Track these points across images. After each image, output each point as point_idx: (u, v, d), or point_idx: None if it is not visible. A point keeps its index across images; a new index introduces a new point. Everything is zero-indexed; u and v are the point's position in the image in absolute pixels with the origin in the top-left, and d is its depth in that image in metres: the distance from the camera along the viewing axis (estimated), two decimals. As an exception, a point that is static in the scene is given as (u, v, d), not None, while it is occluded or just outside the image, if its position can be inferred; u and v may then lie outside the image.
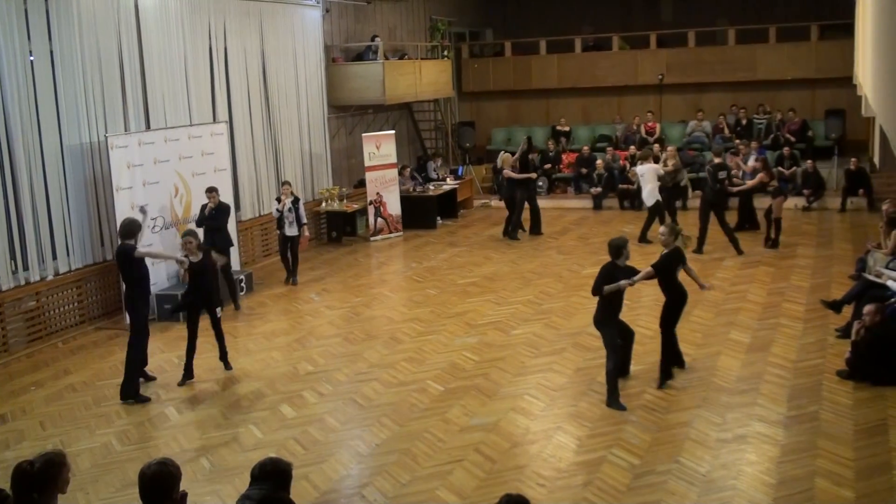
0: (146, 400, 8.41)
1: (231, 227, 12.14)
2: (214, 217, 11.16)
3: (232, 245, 11.70)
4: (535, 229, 15.29)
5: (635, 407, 7.70)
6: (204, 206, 11.24)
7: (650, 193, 13.92)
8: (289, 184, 12.68)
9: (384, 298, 11.89)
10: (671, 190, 14.45)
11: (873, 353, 7.99)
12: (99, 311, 11.10)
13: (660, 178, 14.17)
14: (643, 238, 14.06)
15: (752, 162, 14.57)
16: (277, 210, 12.44)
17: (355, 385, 8.61)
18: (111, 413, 8.17)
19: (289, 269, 12.69)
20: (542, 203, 17.60)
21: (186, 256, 8.81)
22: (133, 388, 8.46)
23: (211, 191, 11.23)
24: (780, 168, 17.18)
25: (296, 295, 12.15)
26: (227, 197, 12.42)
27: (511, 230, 15.08)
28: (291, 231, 12.42)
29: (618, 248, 7.86)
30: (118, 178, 10.81)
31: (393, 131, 16.40)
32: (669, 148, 15.04)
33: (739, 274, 12.07)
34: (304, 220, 12.58)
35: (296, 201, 12.40)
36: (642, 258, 11.11)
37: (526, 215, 15.24)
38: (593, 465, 6.67)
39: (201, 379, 8.95)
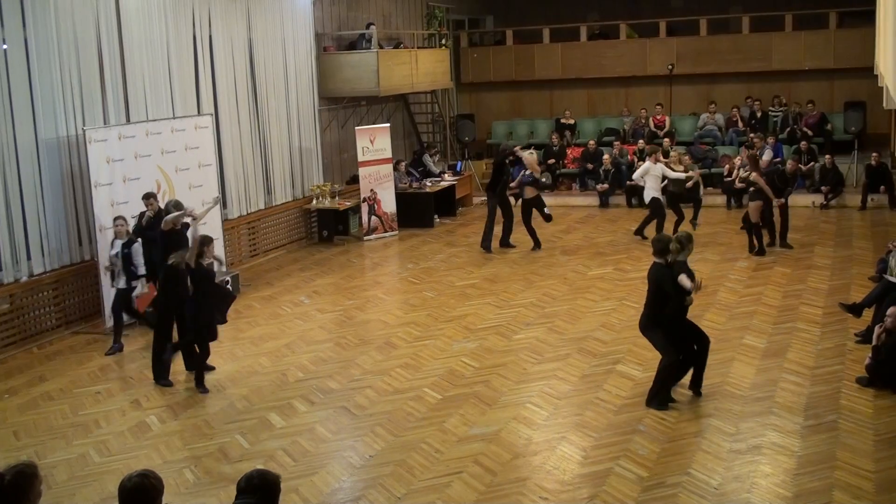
0: (169, 384, 8.95)
1: (216, 225, 12.14)
2: (153, 226, 10.24)
3: None
4: (506, 240, 14.44)
5: (643, 416, 7.72)
6: (141, 214, 10.49)
7: (649, 190, 14.13)
8: (123, 219, 10.22)
9: (378, 301, 11.90)
10: (675, 192, 14.45)
11: (895, 358, 7.99)
12: (77, 315, 11.08)
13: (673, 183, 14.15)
14: (639, 232, 14.43)
15: (767, 156, 14.62)
16: (113, 259, 10.06)
17: (348, 393, 8.61)
18: (89, 422, 8.17)
19: (117, 333, 10.15)
20: (547, 200, 17.60)
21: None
22: (157, 371, 9.02)
23: (149, 197, 10.48)
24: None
25: (285, 298, 12.15)
26: (212, 194, 12.43)
27: (494, 239, 14.35)
28: (120, 283, 10.08)
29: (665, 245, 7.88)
30: (97, 173, 10.80)
31: (388, 124, 16.41)
32: (673, 153, 14.97)
33: (754, 275, 12.09)
34: (141, 271, 10.07)
35: (129, 243, 10.03)
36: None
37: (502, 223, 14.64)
38: (599, 477, 6.67)
39: (184, 386, 8.96)
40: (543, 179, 16.73)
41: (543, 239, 14.64)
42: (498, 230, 14.27)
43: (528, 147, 14.90)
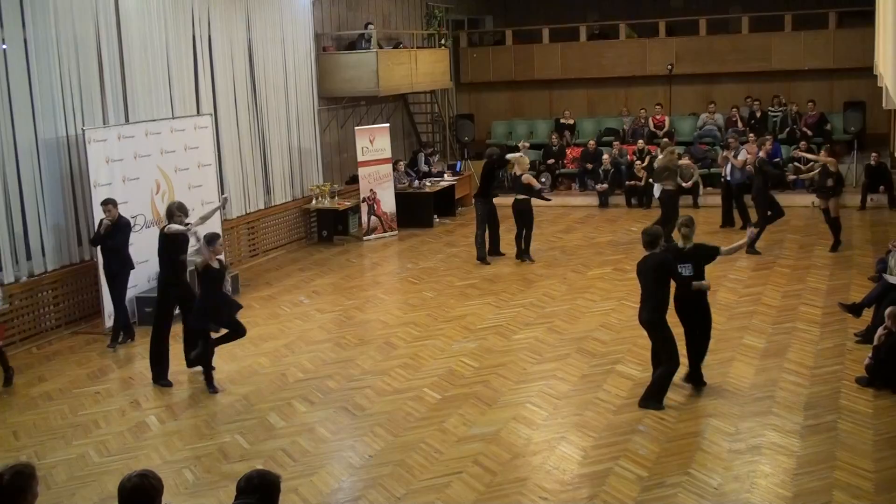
0: (168, 384, 8.95)
1: (216, 225, 12.13)
2: (111, 235, 9.98)
3: (129, 267, 10.34)
4: (495, 249, 13.80)
5: (642, 416, 7.72)
6: (100, 222, 10.12)
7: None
8: None
9: (378, 301, 11.90)
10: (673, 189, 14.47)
11: (895, 358, 8.00)
12: (76, 315, 11.08)
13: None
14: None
15: (741, 156, 14.70)
16: None
17: (347, 393, 8.61)
18: (88, 422, 8.17)
19: None
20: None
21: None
22: (156, 371, 9.03)
23: (107, 203, 10.03)
24: (796, 164, 17.21)
25: (284, 298, 12.14)
26: (211, 194, 12.44)
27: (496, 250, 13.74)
28: None
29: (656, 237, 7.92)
30: (96, 173, 10.79)
31: (387, 124, 16.41)
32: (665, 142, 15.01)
33: (753, 275, 12.10)
34: None
35: None
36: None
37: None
38: (599, 477, 6.68)
39: (184, 386, 8.96)
40: (542, 181, 16.71)
41: (543, 238, 14.67)
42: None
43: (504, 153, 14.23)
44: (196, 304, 8.85)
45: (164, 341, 9.08)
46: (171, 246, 9.09)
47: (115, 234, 10.05)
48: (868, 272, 11.52)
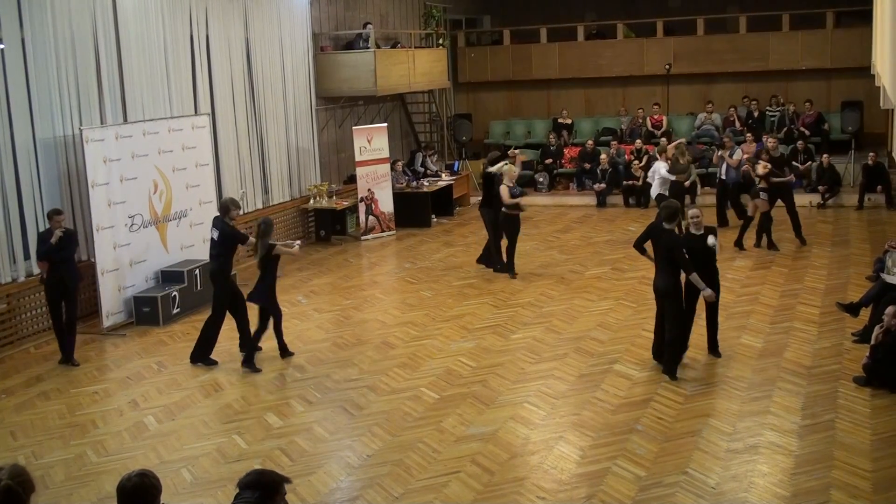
0: (213, 363, 9.48)
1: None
2: (65, 246, 9.47)
3: (81, 280, 10.05)
4: (484, 257, 13.11)
5: (640, 416, 7.73)
6: (48, 233, 9.46)
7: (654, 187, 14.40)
8: None
9: (376, 301, 11.90)
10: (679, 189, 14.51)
11: (892, 358, 8.01)
12: (73, 315, 11.07)
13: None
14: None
15: (737, 155, 14.71)
16: None
17: (345, 392, 8.61)
18: (86, 422, 8.17)
19: None
20: (544, 200, 17.63)
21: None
22: (202, 353, 9.54)
23: (58, 213, 9.57)
24: (794, 163, 17.23)
25: (282, 298, 12.12)
26: (209, 194, 12.45)
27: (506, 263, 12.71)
28: None
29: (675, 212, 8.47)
30: (94, 173, 10.78)
31: (385, 124, 16.42)
32: (671, 145, 14.95)
33: (751, 275, 12.11)
34: None
35: None
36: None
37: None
38: (597, 476, 6.68)
39: (182, 386, 8.96)
40: (540, 180, 16.60)
41: (541, 238, 14.66)
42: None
43: (503, 157, 13.53)
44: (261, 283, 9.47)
45: (220, 326, 9.52)
46: (237, 237, 9.70)
47: (67, 244, 9.57)
48: (865, 271, 11.54)
